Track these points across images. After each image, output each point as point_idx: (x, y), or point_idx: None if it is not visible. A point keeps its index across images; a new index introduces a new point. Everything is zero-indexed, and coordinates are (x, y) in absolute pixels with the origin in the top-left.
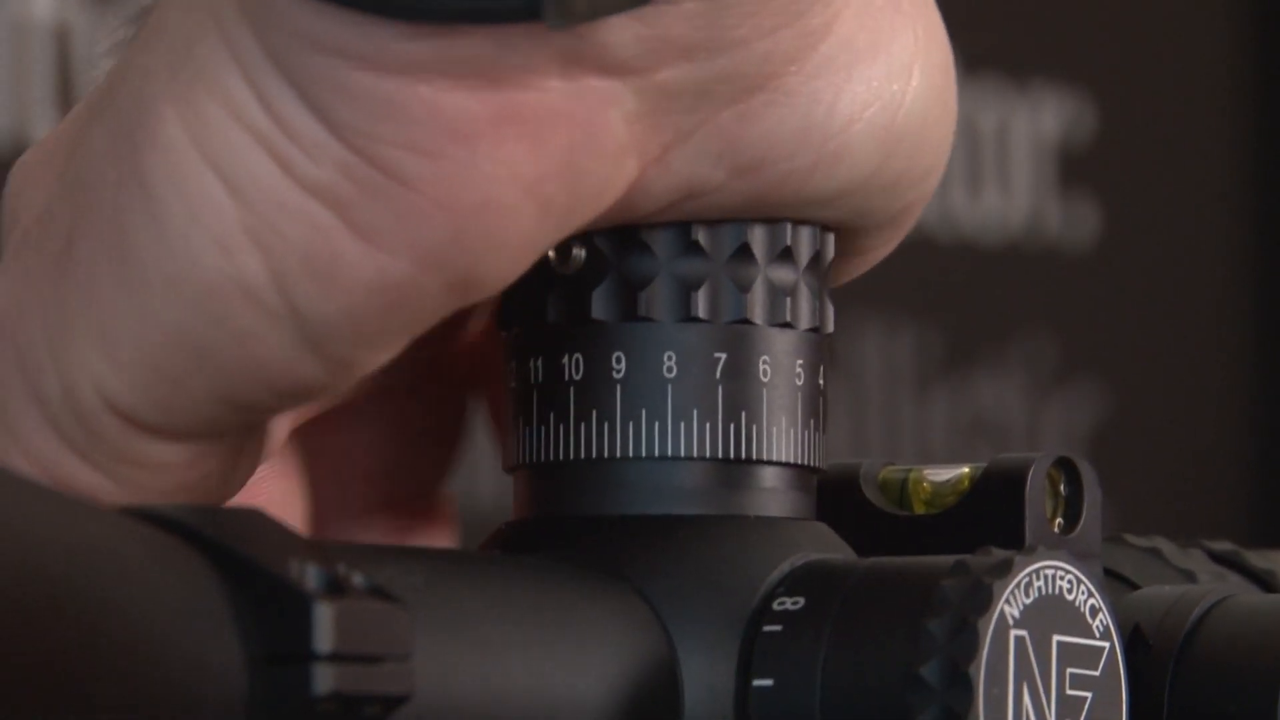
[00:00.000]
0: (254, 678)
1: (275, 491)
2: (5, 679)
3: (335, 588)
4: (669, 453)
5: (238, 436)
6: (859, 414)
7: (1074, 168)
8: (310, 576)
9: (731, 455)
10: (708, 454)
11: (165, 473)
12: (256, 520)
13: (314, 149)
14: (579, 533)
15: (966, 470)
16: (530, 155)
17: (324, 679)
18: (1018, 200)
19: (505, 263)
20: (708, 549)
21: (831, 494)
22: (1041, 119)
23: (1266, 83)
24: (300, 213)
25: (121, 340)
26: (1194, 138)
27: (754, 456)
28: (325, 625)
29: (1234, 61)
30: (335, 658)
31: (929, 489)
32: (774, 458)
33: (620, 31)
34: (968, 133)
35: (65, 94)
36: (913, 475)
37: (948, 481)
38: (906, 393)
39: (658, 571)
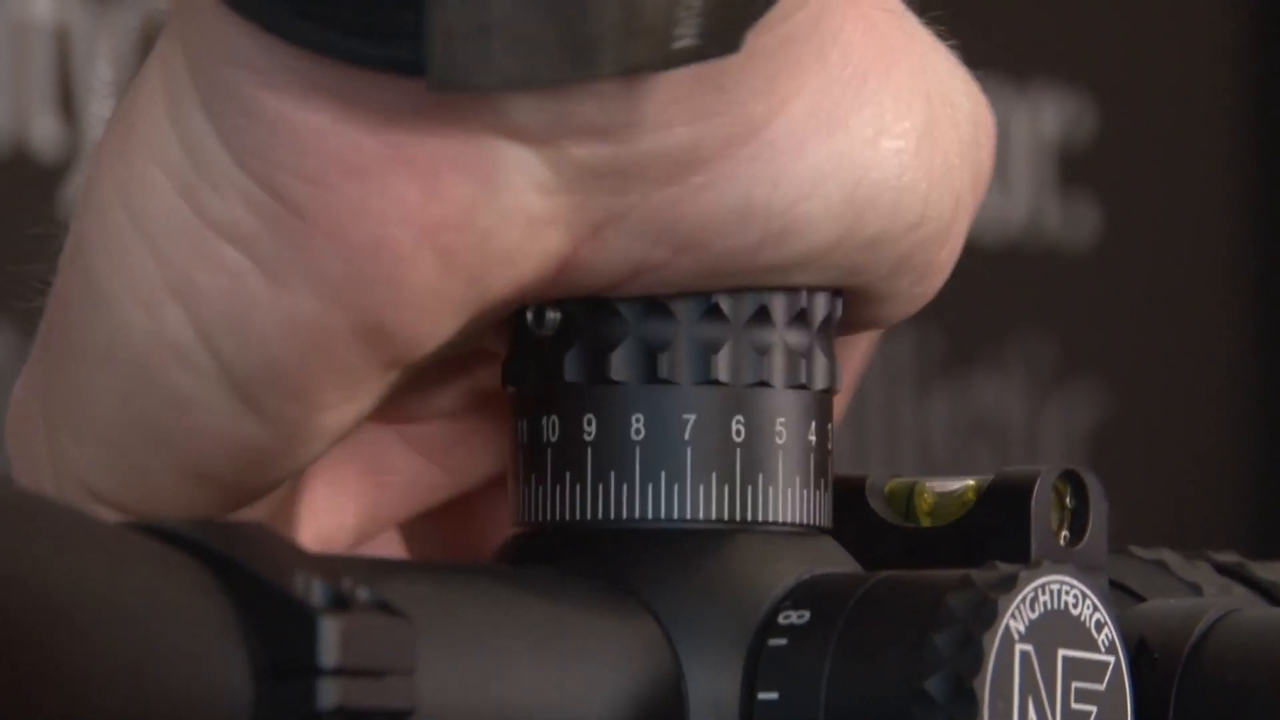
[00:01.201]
0: (259, 692)
1: None
2: (12, 694)
3: (340, 602)
4: (636, 515)
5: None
6: (859, 414)
7: (1074, 168)
8: (315, 591)
9: (701, 515)
10: (675, 515)
11: None
12: (262, 535)
13: (221, 181)
14: (584, 546)
15: (972, 482)
16: (423, 199)
17: (329, 693)
18: (1017, 200)
19: (415, 315)
20: (713, 562)
21: (837, 505)
22: (1041, 119)
23: (1266, 83)
24: (212, 257)
25: (82, 420)
26: (1194, 138)
27: (725, 518)
28: (330, 640)
29: (1234, 61)
30: (340, 672)
31: (932, 500)
32: (748, 518)
33: (518, 99)
34: None
35: (65, 94)
36: (918, 487)
37: (952, 493)
38: (906, 393)
39: (663, 584)
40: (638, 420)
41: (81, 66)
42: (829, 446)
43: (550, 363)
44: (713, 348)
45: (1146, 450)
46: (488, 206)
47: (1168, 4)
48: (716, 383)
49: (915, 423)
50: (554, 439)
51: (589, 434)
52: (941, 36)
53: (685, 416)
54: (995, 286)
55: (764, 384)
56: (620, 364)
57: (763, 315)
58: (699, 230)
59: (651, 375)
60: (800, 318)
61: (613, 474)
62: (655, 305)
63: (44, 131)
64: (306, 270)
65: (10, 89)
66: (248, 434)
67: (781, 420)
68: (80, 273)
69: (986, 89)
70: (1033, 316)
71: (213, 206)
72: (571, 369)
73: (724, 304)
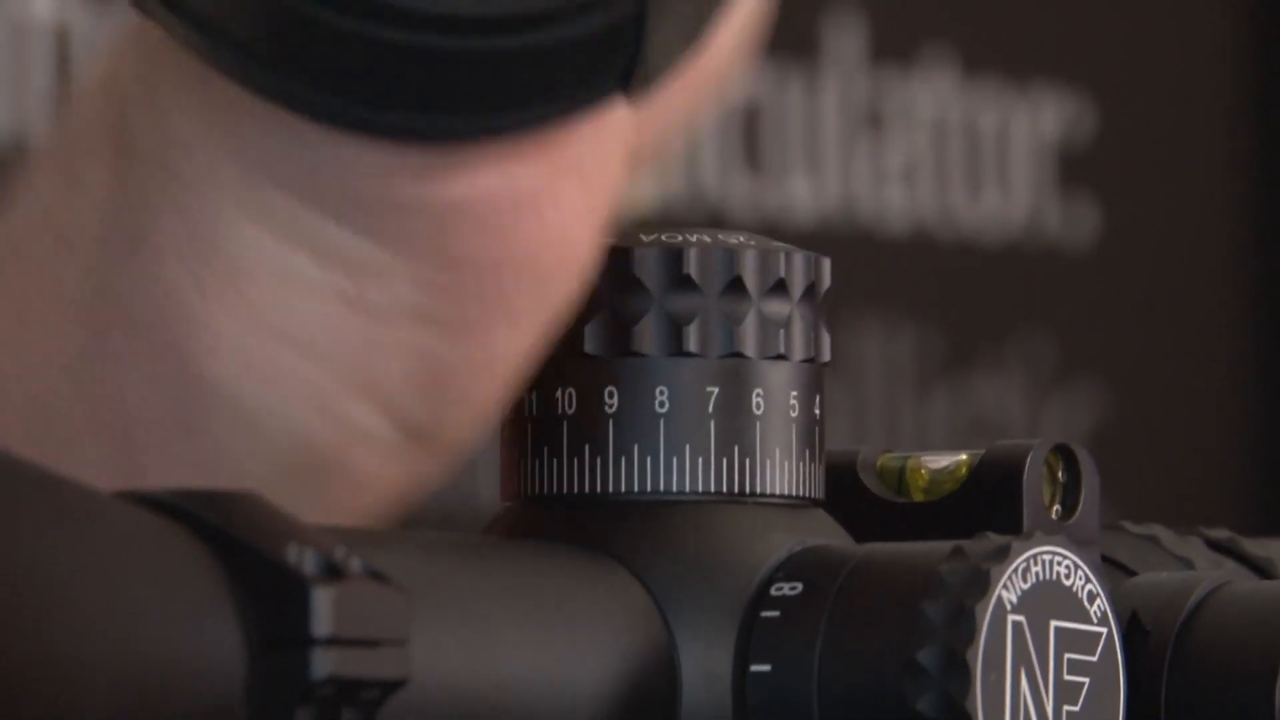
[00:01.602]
0: (253, 662)
1: None
2: (1, 664)
3: (333, 571)
4: (661, 488)
5: None
6: (859, 413)
7: (1074, 168)
8: (308, 560)
9: (725, 490)
10: (700, 489)
11: None
12: (254, 504)
13: (387, 278)
14: (578, 518)
15: (964, 457)
16: (583, 190)
17: (322, 663)
18: (1017, 200)
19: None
20: (706, 534)
21: (830, 481)
22: (1041, 119)
23: (1266, 83)
24: (392, 344)
25: None
26: (1194, 138)
27: (748, 491)
28: (323, 609)
29: (1234, 61)
30: (333, 641)
31: (926, 476)
32: (769, 491)
33: None
34: (968, 133)
35: (65, 94)
36: (911, 463)
37: (945, 468)
38: (906, 392)
39: (656, 556)
40: (662, 393)
41: (81, 66)
42: (825, 420)
43: (568, 334)
44: (736, 320)
45: (1146, 450)
46: (617, 154)
47: (1168, 4)
48: (740, 355)
49: (915, 423)
50: (570, 411)
51: (611, 406)
52: (943, 37)
53: (709, 389)
54: (995, 286)
55: (781, 357)
56: (644, 337)
57: (780, 288)
58: None
59: (676, 348)
60: (810, 291)
61: (636, 447)
62: (680, 278)
63: (44, 131)
64: (502, 314)
65: (10, 89)
66: (421, 469)
67: (794, 394)
68: (227, 409)
69: (987, 89)
70: (1033, 316)
71: (383, 304)
72: (592, 341)
73: (747, 277)
